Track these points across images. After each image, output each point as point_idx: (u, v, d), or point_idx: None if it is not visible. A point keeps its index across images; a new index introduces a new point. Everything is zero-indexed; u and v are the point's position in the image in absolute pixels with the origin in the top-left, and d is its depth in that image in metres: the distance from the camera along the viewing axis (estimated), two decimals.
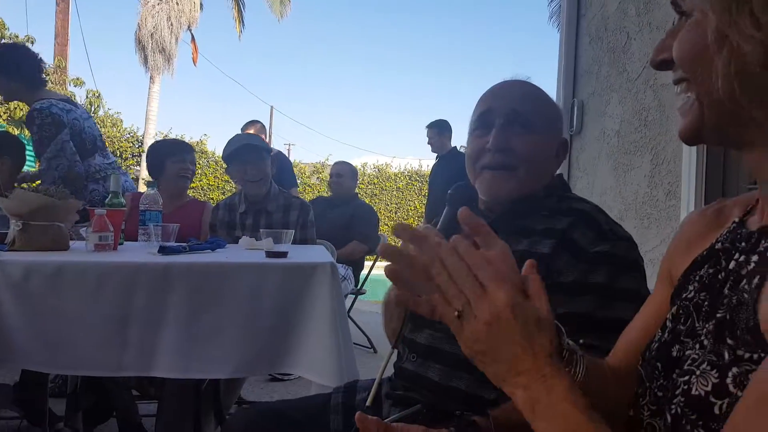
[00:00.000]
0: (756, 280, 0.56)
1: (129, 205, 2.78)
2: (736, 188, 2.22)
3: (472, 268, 0.62)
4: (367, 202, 6.50)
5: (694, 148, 2.29)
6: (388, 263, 0.73)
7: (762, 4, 0.53)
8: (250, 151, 2.92)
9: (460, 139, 14.78)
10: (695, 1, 0.60)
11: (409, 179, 15.68)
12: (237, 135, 3.26)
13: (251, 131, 4.93)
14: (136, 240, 2.42)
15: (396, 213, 15.42)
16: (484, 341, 0.61)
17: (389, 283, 1.26)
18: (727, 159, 2.28)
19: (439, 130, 5.46)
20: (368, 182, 15.45)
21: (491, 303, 0.60)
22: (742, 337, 0.55)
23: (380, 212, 12.30)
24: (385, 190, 15.56)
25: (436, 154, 5.58)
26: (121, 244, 2.25)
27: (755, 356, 0.53)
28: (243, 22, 19.08)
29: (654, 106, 2.59)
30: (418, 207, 15.16)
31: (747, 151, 0.64)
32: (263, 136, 4.95)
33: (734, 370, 0.54)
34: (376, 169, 15.85)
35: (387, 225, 14.75)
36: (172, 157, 3.00)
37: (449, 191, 1.05)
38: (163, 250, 1.89)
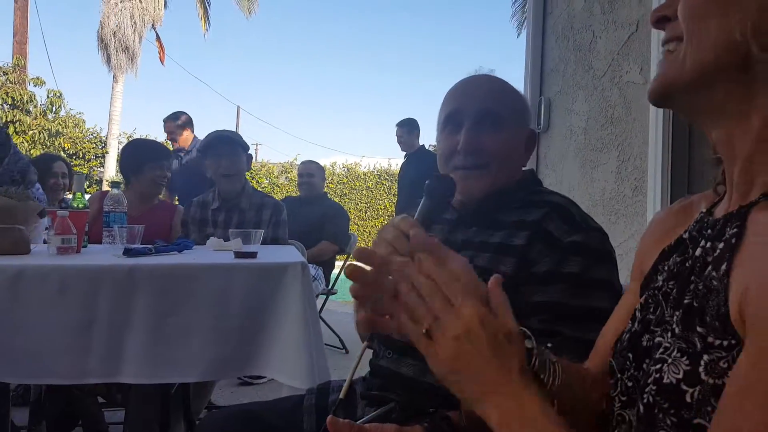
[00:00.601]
0: (724, 267, 0.57)
1: (96, 207, 2.71)
2: (700, 183, 2.27)
3: (440, 286, 0.62)
4: (337, 201, 6.46)
5: (659, 143, 2.32)
6: (353, 284, 0.74)
7: None
8: (225, 144, 2.88)
9: (427, 137, 14.86)
10: None
11: (379, 178, 15.67)
12: (215, 130, 3.21)
13: (171, 126, 4.64)
14: (101, 243, 2.36)
15: (366, 212, 15.39)
16: (453, 358, 0.60)
17: None
18: (692, 155, 2.33)
19: (408, 129, 5.49)
20: (338, 182, 15.39)
21: (459, 317, 0.60)
22: (711, 323, 0.55)
23: (350, 212, 12.26)
24: (355, 189, 15.52)
25: (404, 153, 5.60)
26: (85, 246, 2.19)
27: (725, 343, 0.53)
28: (208, 20, 18.85)
29: (620, 103, 2.63)
30: (387, 206, 15.17)
31: (716, 123, 0.64)
32: (189, 130, 4.67)
33: (705, 357, 0.54)
34: (346, 169, 15.81)
35: (357, 224, 14.71)
36: (152, 162, 2.95)
37: (427, 182, 1.04)
38: (128, 252, 1.85)
